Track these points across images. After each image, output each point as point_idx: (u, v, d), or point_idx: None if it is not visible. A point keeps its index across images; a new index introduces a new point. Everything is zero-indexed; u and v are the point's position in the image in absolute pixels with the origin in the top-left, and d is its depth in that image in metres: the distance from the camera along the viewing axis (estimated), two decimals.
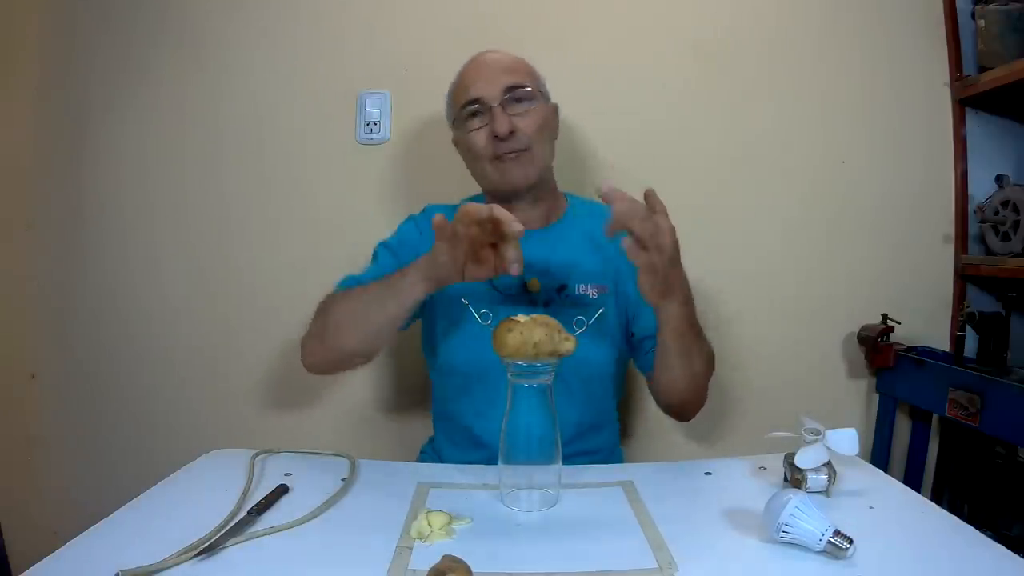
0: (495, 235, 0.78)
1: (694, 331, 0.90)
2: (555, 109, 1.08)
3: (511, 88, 0.99)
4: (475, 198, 1.12)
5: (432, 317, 1.06)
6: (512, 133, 0.98)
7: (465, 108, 1.01)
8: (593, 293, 1.02)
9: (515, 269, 0.79)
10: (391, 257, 1.06)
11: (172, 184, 1.40)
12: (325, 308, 0.97)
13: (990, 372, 1.13)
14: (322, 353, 0.97)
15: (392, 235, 1.11)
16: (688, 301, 0.87)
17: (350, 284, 1.01)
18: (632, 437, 1.36)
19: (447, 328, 1.03)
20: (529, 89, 1.00)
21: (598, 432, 1.05)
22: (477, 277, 0.83)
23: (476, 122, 1.00)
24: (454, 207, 1.11)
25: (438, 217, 0.79)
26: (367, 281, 0.98)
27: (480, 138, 1.00)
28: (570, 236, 1.05)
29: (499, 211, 0.76)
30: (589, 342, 0.97)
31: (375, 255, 1.09)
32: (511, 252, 0.78)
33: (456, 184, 1.32)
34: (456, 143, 1.08)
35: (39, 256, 1.42)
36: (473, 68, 1.03)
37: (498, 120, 0.97)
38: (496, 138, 0.98)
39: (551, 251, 1.03)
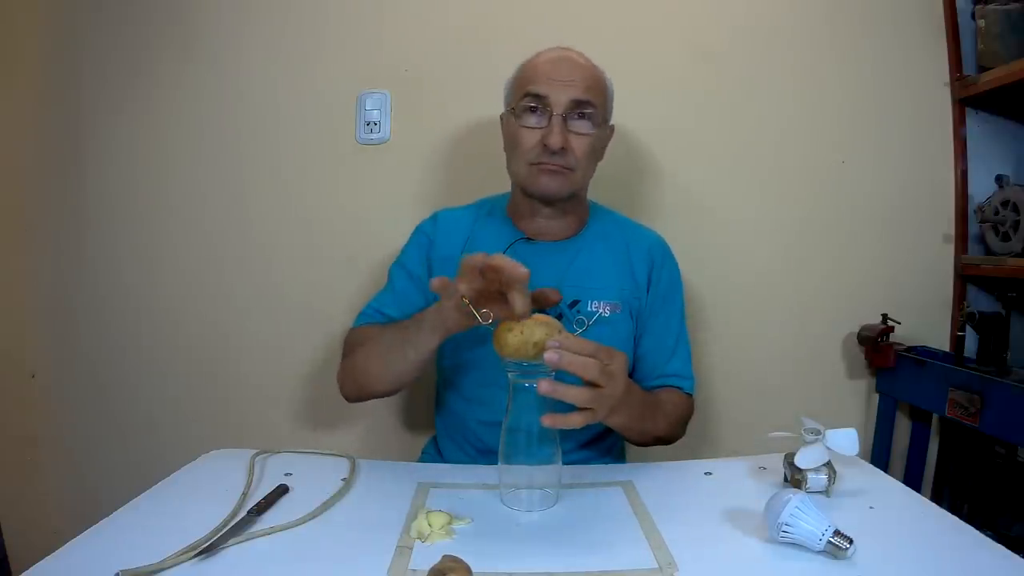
0: (500, 283, 0.73)
1: (643, 422, 0.88)
2: (611, 132, 1.04)
3: (580, 103, 0.95)
4: (496, 199, 1.10)
5: None
6: (563, 149, 0.94)
7: (527, 99, 0.96)
8: (606, 311, 1.00)
9: (525, 317, 0.74)
10: (407, 280, 1.05)
11: (172, 184, 1.40)
12: (351, 349, 1.01)
13: (990, 372, 1.13)
14: (355, 391, 1.00)
15: (403, 252, 1.09)
16: (634, 406, 0.82)
17: (371, 316, 1.03)
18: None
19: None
20: (596, 111, 0.96)
21: (601, 441, 1.06)
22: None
23: (532, 119, 0.96)
24: (467, 209, 1.11)
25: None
26: (386, 316, 1.02)
27: (530, 138, 0.96)
28: (589, 249, 1.04)
29: (500, 259, 0.72)
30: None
31: (391, 276, 1.08)
32: (519, 302, 0.71)
33: (455, 184, 1.33)
34: (503, 122, 1.04)
35: (39, 256, 1.42)
36: (553, 62, 0.97)
37: (555, 132, 0.93)
38: (545, 147, 0.94)
39: (568, 264, 1.02)
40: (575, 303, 1.00)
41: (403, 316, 1.00)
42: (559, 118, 0.94)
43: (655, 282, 1.05)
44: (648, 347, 1.03)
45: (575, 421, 0.71)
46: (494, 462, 0.80)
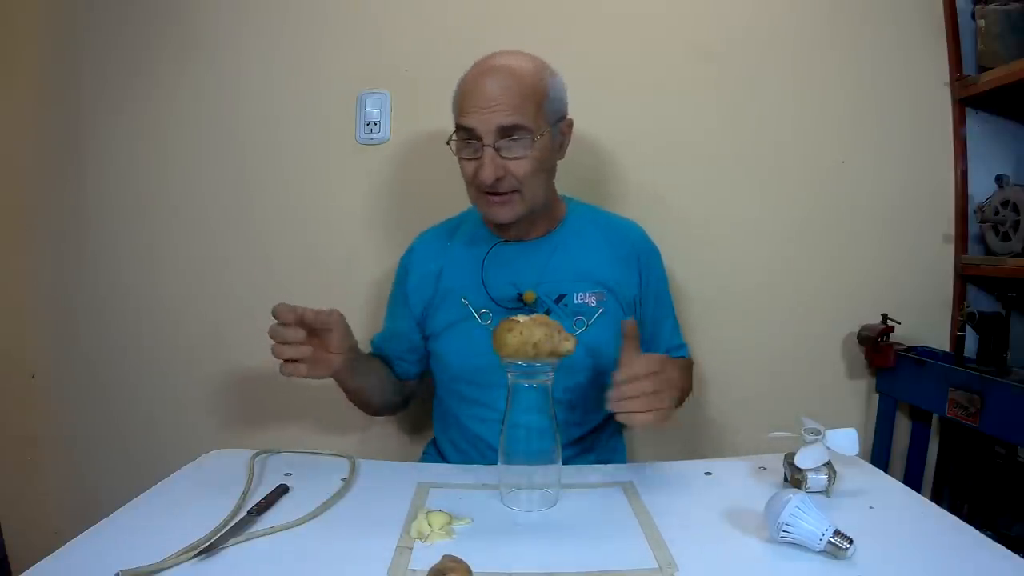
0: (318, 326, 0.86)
1: (684, 392, 1.04)
2: (567, 127, 1.02)
3: (507, 129, 0.91)
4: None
5: (434, 320, 1.06)
6: (500, 179, 0.93)
7: (459, 132, 0.95)
8: (592, 301, 1.01)
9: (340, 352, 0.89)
10: (392, 319, 1.12)
11: (172, 184, 1.40)
12: None
13: (990, 372, 1.13)
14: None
15: (393, 286, 1.14)
16: (676, 383, 0.88)
17: (373, 349, 1.13)
18: (632, 435, 1.36)
19: (447, 330, 1.04)
20: (528, 130, 0.92)
21: (599, 433, 1.06)
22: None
23: (467, 151, 0.95)
24: (447, 224, 1.13)
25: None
26: (380, 350, 1.12)
27: (468, 168, 0.95)
28: (568, 244, 1.04)
29: (305, 313, 0.84)
30: (590, 344, 0.97)
31: (386, 311, 1.14)
32: (335, 341, 0.88)
33: (455, 184, 1.32)
34: None
35: (39, 256, 1.42)
36: (476, 85, 0.93)
37: (486, 167, 0.91)
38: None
39: (547, 261, 1.02)
40: (561, 297, 1.01)
41: (393, 351, 1.10)
42: (489, 150, 0.91)
43: (646, 275, 1.07)
44: (652, 333, 1.07)
45: (647, 419, 0.78)
46: (494, 461, 0.80)
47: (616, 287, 1.03)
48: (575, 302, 1.01)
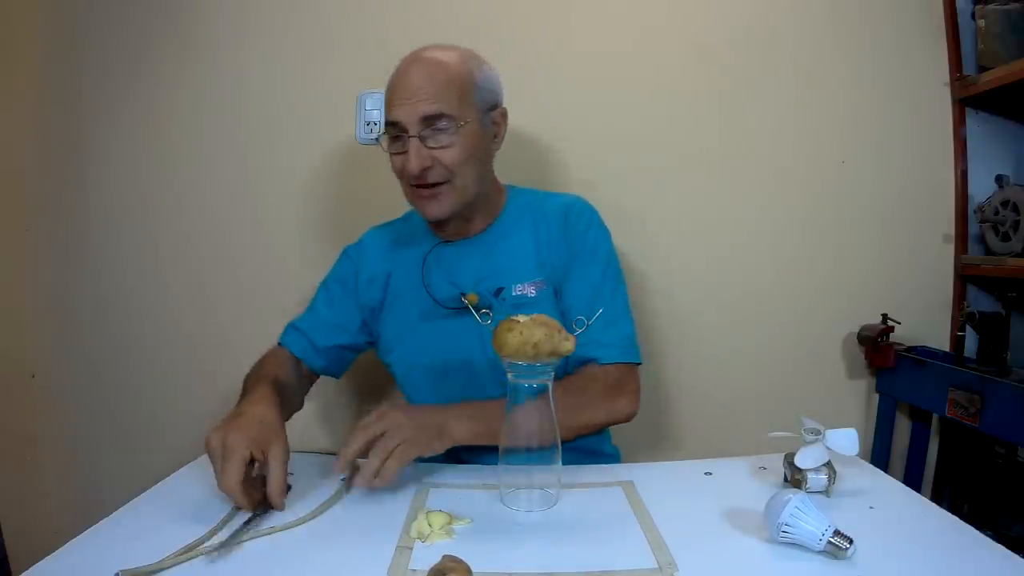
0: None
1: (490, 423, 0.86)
2: (501, 116, 1.00)
3: (430, 118, 0.91)
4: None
5: (386, 328, 1.04)
6: (428, 169, 0.92)
7: (388, 128, 0.95)
8: (531, 292, 0.98)
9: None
10: (329, 307, 1.07)
11: (171, 184, 1.40)
12: (256, 373, 1.01)
13: (990, 372, 1.13)
14: None
15: (330, 274, 1.11)
16: (463, 417, 0.84)
17: (297, 340, 1.05)
18: (632, 436, 1.36)
19: (402, 336, 1.02)
20: (452, 117, 0.91)
21: (588, 441, 1.04)
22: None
23: (396, 146, 0.95)
24: (392, 224, 1.12)
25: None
26: (309, 340, 1.04)
27: (397, 163, 0.95)
28: (507, 235, 1.02)
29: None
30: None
31: (316, 300, 1.09)
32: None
33: None
34: None
35: (39, 256, 1.42)
36: (399, 82, 0.94)
37: (411, 158, 0.91)
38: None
39: (486, 256, 1.01)
40: (499, 291, 0.99)
41: (325, 342, 1.04)
42: (414, 141, 0.91)
43: (568, 240, 1.01)
44: (565, 314, 0.97)
45: (391, 467, 0.76)
46: (479, 462, 0.79)
47: (552, 268, 1.00)
48: (513, 294, 0.98)
